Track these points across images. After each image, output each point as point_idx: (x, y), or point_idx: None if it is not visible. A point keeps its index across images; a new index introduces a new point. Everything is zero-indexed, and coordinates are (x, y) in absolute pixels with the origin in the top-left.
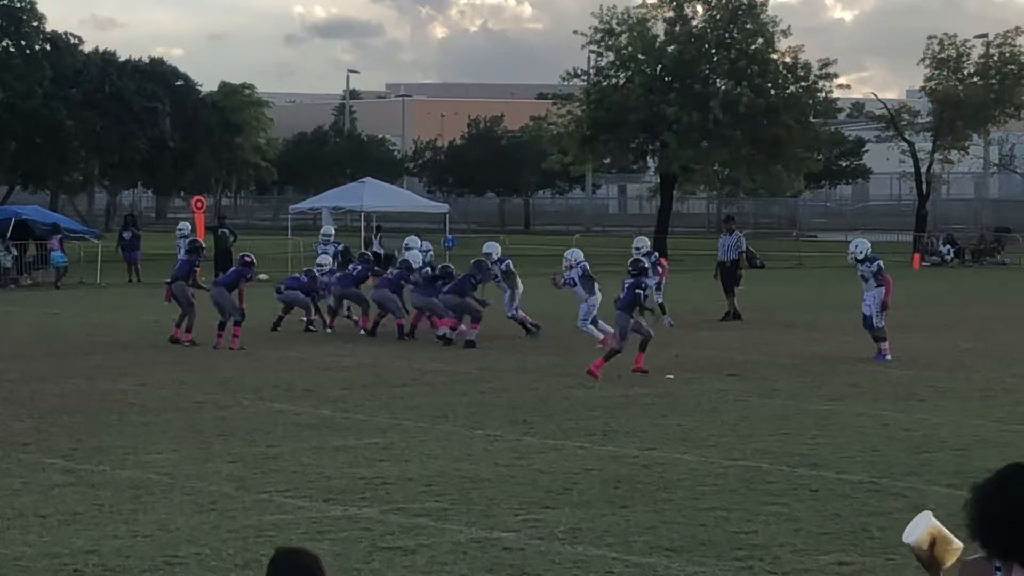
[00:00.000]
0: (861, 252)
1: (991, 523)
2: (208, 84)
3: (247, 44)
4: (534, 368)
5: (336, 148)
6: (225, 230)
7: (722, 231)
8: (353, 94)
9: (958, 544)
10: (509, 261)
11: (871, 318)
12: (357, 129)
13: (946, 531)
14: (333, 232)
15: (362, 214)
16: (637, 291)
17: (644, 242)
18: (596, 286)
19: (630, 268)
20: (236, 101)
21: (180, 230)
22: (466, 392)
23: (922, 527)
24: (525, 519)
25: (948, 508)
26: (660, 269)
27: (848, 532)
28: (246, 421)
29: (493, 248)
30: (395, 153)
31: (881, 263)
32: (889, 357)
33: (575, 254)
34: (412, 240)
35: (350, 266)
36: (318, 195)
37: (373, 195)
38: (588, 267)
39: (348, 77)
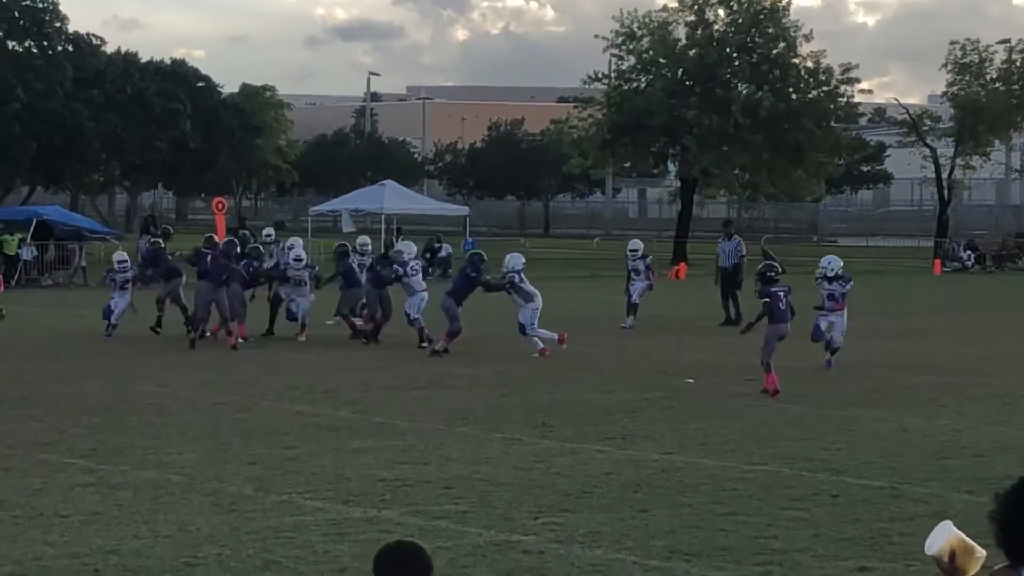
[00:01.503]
0: (832, 270)
1: (1015, 531)
2: (229, 86)
3: (268, 46)
4: (552, 371)
5: (356, 150)
6: (246, 232)
7: (721, 236)
8: (374, 96)
9: (981, 553)
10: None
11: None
12: (377, 131)
13: (968, 540)
14: (370, 242)
15: (382, 216)
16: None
17: (639, 244)
18: (536, 294)
19: (774, 275)
20: (257, 103)
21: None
22: (484, 395)
23: (943, 538)
24: (544, 522)
25: (968, 514)
26: (652, 274)
27: (868, 538)
28: (265, 422)
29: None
30: (415, 156)
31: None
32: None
33: (514, 260)
34: (295, 239)
35: (243, 262)
36: (338, 197)
37: (393, 198)
38: (521, 276)
39: (369, 79)
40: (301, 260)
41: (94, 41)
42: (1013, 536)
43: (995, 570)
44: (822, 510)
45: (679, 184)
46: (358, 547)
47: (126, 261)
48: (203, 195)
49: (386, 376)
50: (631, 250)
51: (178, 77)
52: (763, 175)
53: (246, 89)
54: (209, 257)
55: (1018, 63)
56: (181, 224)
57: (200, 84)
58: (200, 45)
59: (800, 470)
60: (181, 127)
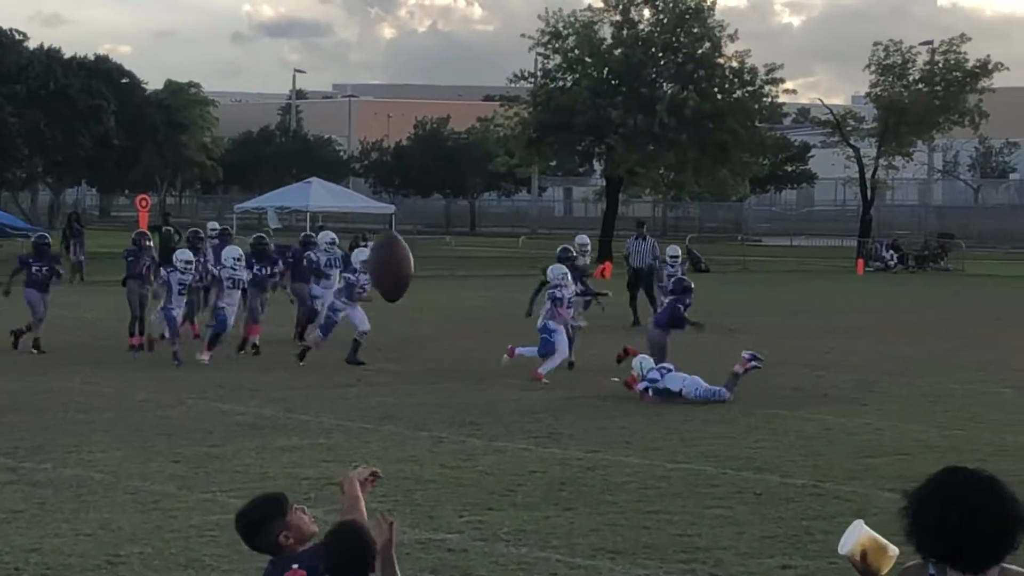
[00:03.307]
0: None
1: (925, 528)
2: (154, 82)
3: (194, 42)
4: (480, 370)
5: (282, 148)
6: (170, 228)
7: (636, 236)
8: (300, 94)
9: (894, 551)
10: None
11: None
12: (303, 129)
13: (881, 539)
14: (336, 238)
15: (307, 214)
16: (678, 306)
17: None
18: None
19: (671, 287)
20: (182, 99)
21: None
22: (411, 393)
23: (854, 537)
24: (469, 520)
25: (890, 513)
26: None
27: (791, 536)
28: (189, 421)
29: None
30: (341, 153)
31: None
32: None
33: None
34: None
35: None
36: (264, 195)
37: (319, 195)
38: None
39: (295, 77)
40: (241, 259)
41: (16, 36)
42: (923, 532)
43: (906, 567)
44: (745, 508)
45: (605, 183)
46: None
47: (192, 261)
48: (127, 192)
49: (312, 375)
50: (671, 255)
51: (102, 73)
52: (688, 174)
53: (171, 85)
54: (134, 255)
55: (940, 64)
56: (105, 221)
57: (124, 80)
58: (126, 40)
59: (724, 468)
60: (105, 123)
